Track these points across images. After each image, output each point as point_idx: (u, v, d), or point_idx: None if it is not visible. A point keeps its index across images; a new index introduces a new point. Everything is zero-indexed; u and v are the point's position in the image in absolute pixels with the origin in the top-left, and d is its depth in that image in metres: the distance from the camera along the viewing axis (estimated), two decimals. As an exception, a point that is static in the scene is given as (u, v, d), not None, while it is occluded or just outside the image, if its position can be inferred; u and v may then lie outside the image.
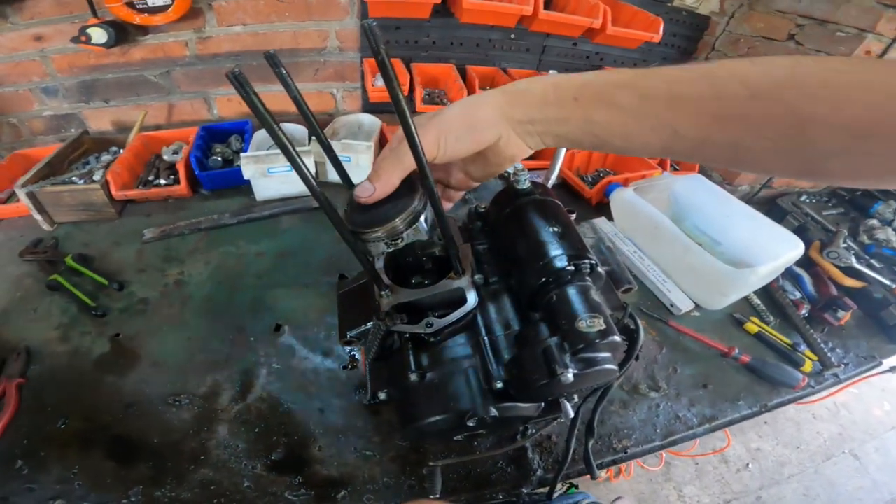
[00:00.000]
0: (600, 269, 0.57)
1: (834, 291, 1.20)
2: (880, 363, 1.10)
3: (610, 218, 1.27)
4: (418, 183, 0.50)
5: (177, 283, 0.94)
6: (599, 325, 0.50)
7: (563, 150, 0.77)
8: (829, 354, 1.05)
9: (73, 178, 1.03)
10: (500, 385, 0.53)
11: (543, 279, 0.55)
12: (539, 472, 0.74)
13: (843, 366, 1.05)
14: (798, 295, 1.21)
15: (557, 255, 0.55)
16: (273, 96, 1.35)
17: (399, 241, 0.49)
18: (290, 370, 0.82)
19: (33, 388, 0.75)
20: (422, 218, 0.50)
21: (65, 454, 0.68)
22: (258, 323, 0.88)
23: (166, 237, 1.02)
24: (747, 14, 1.48)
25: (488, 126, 0.44)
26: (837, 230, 1.35)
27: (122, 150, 1.17)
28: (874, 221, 1.45)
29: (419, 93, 1.27)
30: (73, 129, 1.30)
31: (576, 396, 0.60)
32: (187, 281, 0.95)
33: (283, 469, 0.70)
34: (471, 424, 0.55)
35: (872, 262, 1.29)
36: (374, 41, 0.29)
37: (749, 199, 1.51)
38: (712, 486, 1.82)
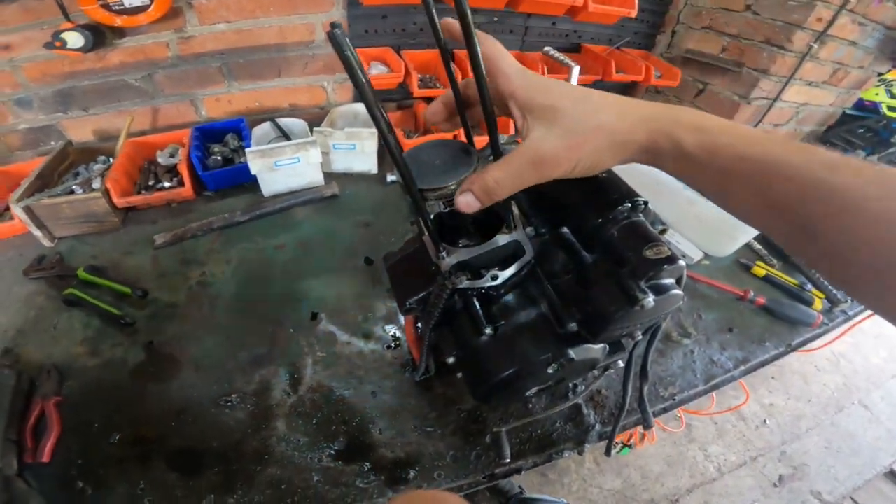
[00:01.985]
0: (651, 207, 0.59)
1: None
2: (880, 299, 1.16)
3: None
4: (471, 146, 0.50)
5: (201, 283, 0.91)
6: (665, 252, 0.52)
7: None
8: (833, 291, 1.10)
9: (73, 188, 0.97)
10: (574, 327, 0.54)
11: (601, 219, 0.56)
12: (597, 427, 0.76)
13: (848, 301, 1.10)
14: (794, 238, 1.28)
15: (611, 195, 0.57)
16: (265, 93, 1.33)
17: None
18: (336, 357, 0.80)
19: (73, 405, 0.70)
20: None
21: (125, 470, 0.64)
22: (294, 314, 0.86)
23: (179, 241, 0.98)
24: (706, -13, 1.56)
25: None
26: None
27: (111, 159, 1.11)
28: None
29: (414, 78, 1.27)
30: (52, 142, 1.22)
31: (640, 333, 0.61)
32: (211, 281, 0.91)
33: (349, 457, 0.68)
34: (550, 371, 0.56)
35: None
36: None
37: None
38: (735, 444, 1.82)
